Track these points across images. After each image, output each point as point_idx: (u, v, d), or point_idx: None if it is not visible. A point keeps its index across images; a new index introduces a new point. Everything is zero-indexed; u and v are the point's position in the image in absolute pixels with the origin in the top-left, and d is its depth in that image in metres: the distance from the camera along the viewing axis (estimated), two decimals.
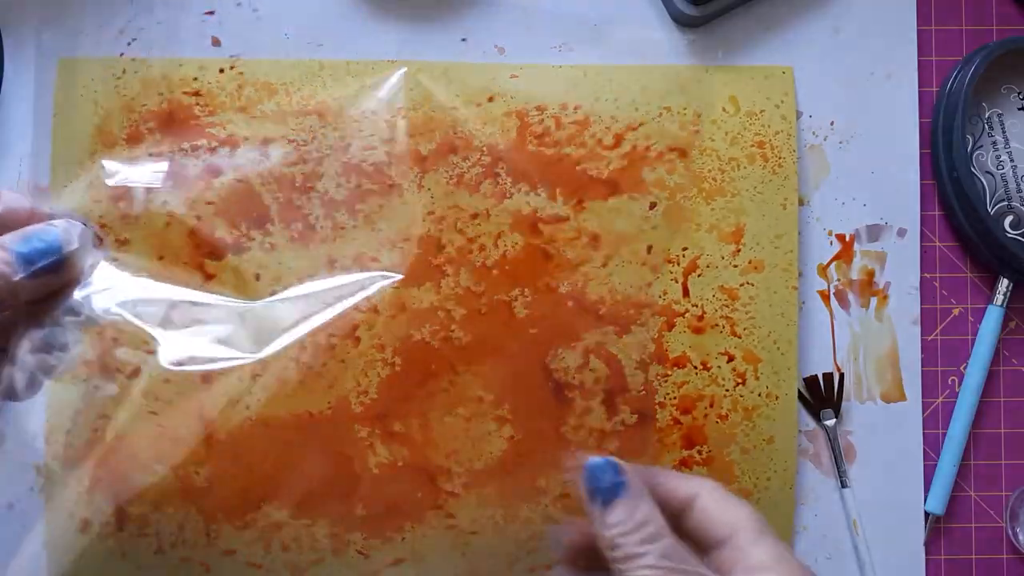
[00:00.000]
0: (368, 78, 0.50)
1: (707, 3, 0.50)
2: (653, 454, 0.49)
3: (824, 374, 0.52)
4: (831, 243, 0.52)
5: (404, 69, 0.50)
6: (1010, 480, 0.52)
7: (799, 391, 0.51)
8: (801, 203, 0.52)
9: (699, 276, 0.50)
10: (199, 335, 0.45)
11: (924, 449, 0.52)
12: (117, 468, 0.48)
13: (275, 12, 0.51)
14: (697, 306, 0.50)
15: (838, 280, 0.52)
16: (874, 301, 0.52)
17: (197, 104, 0.49)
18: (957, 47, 0.53)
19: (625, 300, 0.49)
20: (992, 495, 0.52)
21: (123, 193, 0.48)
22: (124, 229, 0.48)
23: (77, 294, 0.32)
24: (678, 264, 0.50)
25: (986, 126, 0.52)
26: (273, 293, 0.48)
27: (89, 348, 0.33)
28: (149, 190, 0.48)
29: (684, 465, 0.50)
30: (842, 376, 0.52)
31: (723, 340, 0.50)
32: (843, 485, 0.51)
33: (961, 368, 0.53)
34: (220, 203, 0.49)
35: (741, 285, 0.50)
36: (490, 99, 0.50)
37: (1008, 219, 0.52)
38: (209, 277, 0.48)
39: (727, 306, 0.50)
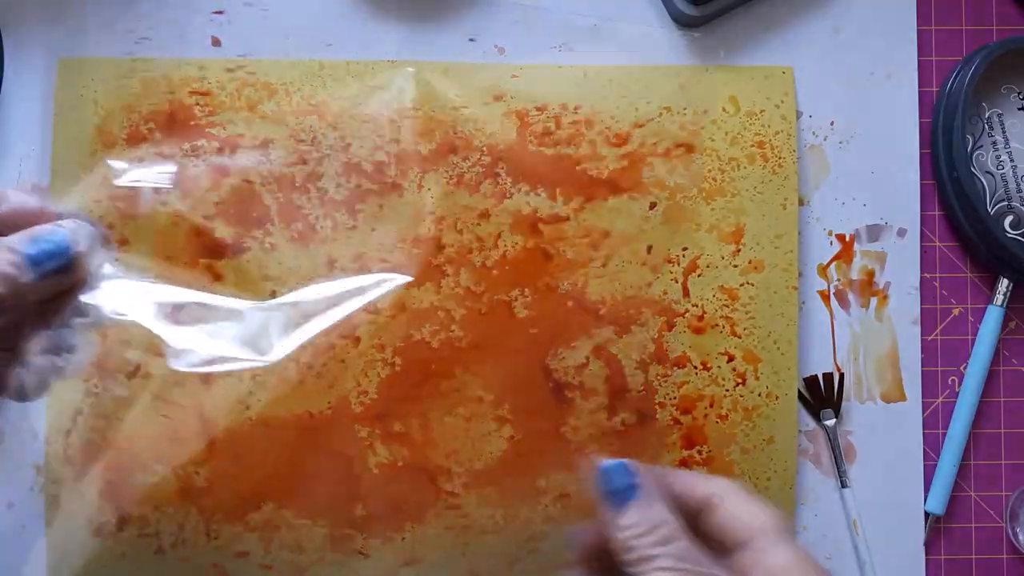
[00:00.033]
0: (368, 78, 0.50)
1: (707, 3, 0.50)
2: (653, 454, 0.49)
3: (824, 374, 0.52)
4: (831, 243, 0.52)
5: (404, 69, 0.50)
6: (1010, 480, 0.52)
7: (799, 391, 0.51)
8: (801, 203, 0.52)
9: (699, 276, 0.50)
10: (208, 336, 0.45)
11: (924, 449, 0.52)
12: (117, 468, 0.48)
13: (275, 12, 0.51)
14: (697, 306, 0.50)
15: (838, 280, 0.52)
16: (874, 301, 0.52)
17: (197, 104, 0.49)
18: (957, 47, 0.53)
19: (625, 300, 0.49)
20: (992, 495, 0.52)
21: (123, 193, 0.48)
22: (123, 229, 0.48)
23: (85, 295, 0.32)
24: (678, 264, 0.50)
25: (986, 126, 0.52)
26: (273, 293, 0.48)
27: (97, 349, 0.33)
28: (157, 190, 0.48)
29: (684, 465, 0.50)
30: (842, 376, 0.52)
31: (723, 340, 0.50)
32: (843, 485, 0.51)
33: (961, 368, 0.53)
34: (220, 203, 0.49)
35: (741, 285, 0.50)
36: (490, 99, 0.50)
37: (1008, 219, 0.52)
38: (217, 278, 0.48)
39: (727, 306, 0.50)
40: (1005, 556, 0.52)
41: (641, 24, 0.52)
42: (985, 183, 0.52)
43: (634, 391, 0.49)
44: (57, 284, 0.31)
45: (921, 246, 0.53)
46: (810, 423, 0.52)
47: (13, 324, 0.31)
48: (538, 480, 0.49)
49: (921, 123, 0.53)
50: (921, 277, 0.53)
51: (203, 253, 0.48)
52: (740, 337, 0.50)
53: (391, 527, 0.48)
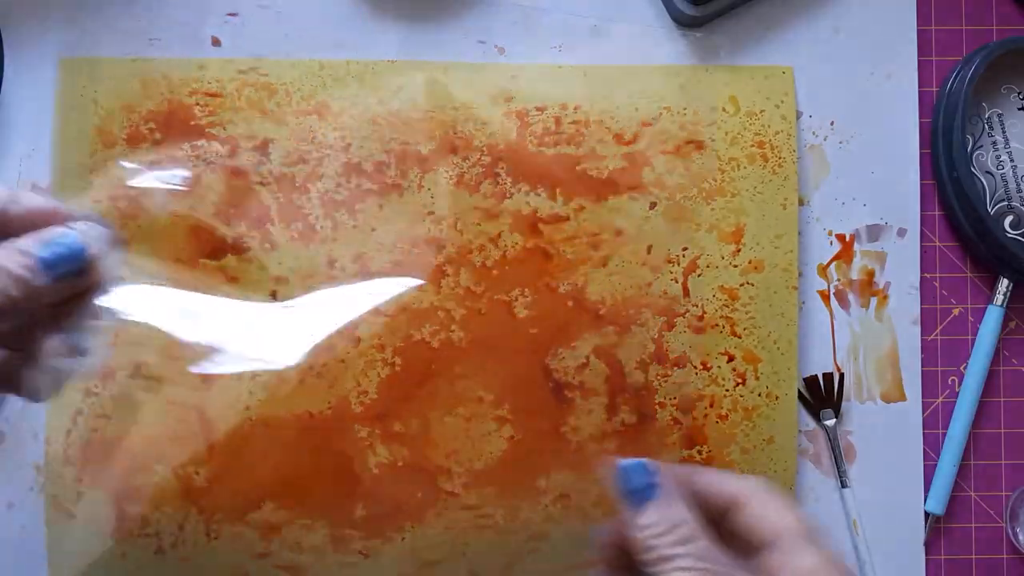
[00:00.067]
0: (368, 78, 0.50)
1: (707, 3, 0.50)
2: (653, 454, 0.49)
3: (824, 374, 0.52)
4: (831, 243, 0.52)
5: (404, 69, 0.50)
6: (1010, 480, 0.52)
7: (799, 391, 0.51)
8: (801, 203, 0.52)
9: (699, 276, 0.50)
10: (222, 338, 0.45)
11: (924, 449, 0.52)
12: (118, 468, 0.48)
13: (275, 12, 0.51)
14: (697, 306, 0.50)
15: (838, 280, 0.52)
16: (874, 301, 0.52)
17: (197, 104, 0.49)
18: (957, 47, 0.53)
19: (625, 300, 0.49)
20: (992, 495, 0.52)
21: (123, 193, 0.49)
22: (124, 229, 0.48)
23: (98, 298, 0.32)
24: (678, 264, 0.50)
25: (986, 126, 0.52)
26: (274, 293, 0.48)
27: (110, 352, 0.33)
28: (170, 192, 0.48)
29: None
30: (842, 376, 0.52)
31: (723, 340, 0.50)
32: (843, 485, 0.51)
33: (961, 368, 0.53)
34: (220, 203, 0.49)
35: (741, 285, 0.50)
36: (490, 99, 0.50)
37: (1008, 219, 0.52)
38: (232, 279, 0.48)
39: (727, 306, 0.50)
40: (1005, 556, 0.52)
41: (641, 24, 0.52)
42: (985, 183, 0.52)
43: (634, 391, 0.49)
44: (70, 287, 0.31)
45: (921, 246, 0.53)
46: (810, 423, 0.52)
47: (27, 326, 0.32)
48: (538, 480, 0.49)
49: (921, 123, 0.53)
50: (921, 277, 0.53)
51: (203, 253, 0.48)
52: (740, 337, 0.50)
53: (391, 527, 0.48)
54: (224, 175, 0.49)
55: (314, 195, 0.49)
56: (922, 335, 0.52)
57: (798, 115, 0.52)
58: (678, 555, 0.33)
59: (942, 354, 0.53)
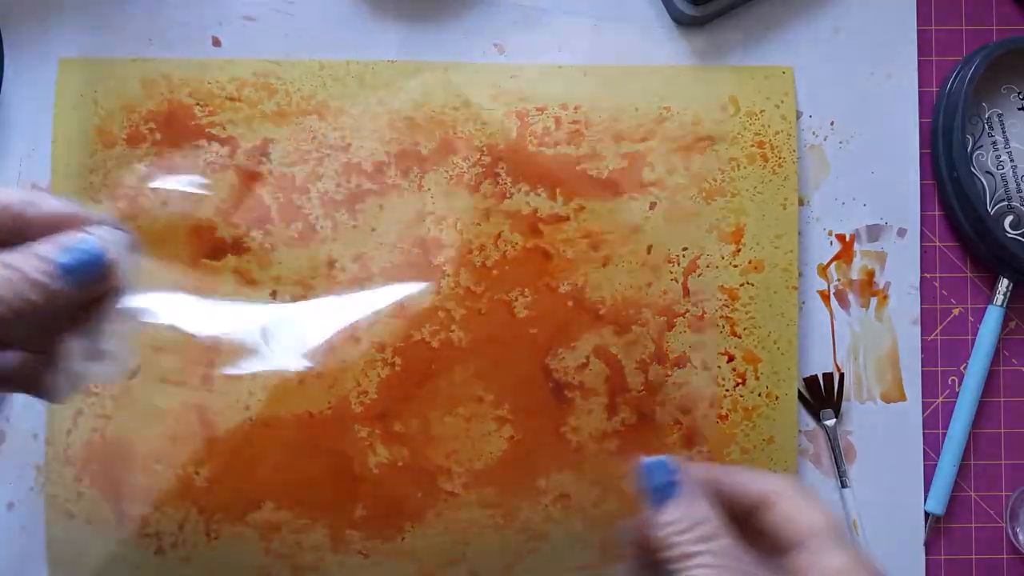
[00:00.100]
0: (368, 78, 0.50)
1: (707, 3, 0.50)
2: (653, 454, 0.49)
3: (824, 374, 0.52)
4: (831, 243, 0.52)
5: (405, 69, 0.50)
6: (1010, 480, 0.52)
7: (799, 391, 0.51)
8: (801, 203, 0.52)
9: (699, 276, 0.50)
10: (241, 340, 0.46)
11: (924, 449, 0.52)
12: (117, 468, 0.48)
13: (274, 12, 0.51)
14: (697, 306, 0.50)
15: (838, 280, 0.52)
16: (874, 301, 0.52)
17: (197, 104, 0.49)
18: (957, 47, 0.53)
19: (625, 300, 0.49)
20: (992, 495, 0.52)
21: (123, 193, 0.49)
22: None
23: (116, 302, 0.32)
24: (678, 264, 0.50)
25: (986, 126, 0.52)
26: (274, 293, 0.48)
27: (131, 354, 0.33)
28: (186, 194, 0.48)
29: None
30: (842, 376, 0.52)
31: (723, 340, 0.50)
32: (843, 485, 0.51)
33: (961, 368, 0.53)
34: (220, 203, 0.49)
35: (741, 285, 0.50)
36: (490, 99, 0.50)
37: (1008, 219, 0.52)
38: (251, 282, 0.48)
39: (727, 306, 0.50)
40: (1005, 556, 0.52)
41: (641, 24, 0.52)
42: (985, 183, 0.52)
43: (634, 391, 0.49)
44: (89, 291, 0.31)
45: (921, 246, 0.53)
46: (810, 423, 0.52)
47: (47, 330, 0.32)
48: (538, 480, 0.49)
49: (921, 123, 0.53)
50: (921, 277, 0.53)
51: (203, 253, 0.48)
52: (740, 337, 0.50)
53: (391, 527, 0.48)
54: (225, 175, 0.49)
55: (314, 195, 0.49)
56: (922, 335, 0.52)
57: (798, 115, 0.52)
58: (699, 552, 0.33)
59: (942, 354, 0.53)
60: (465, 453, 0.48)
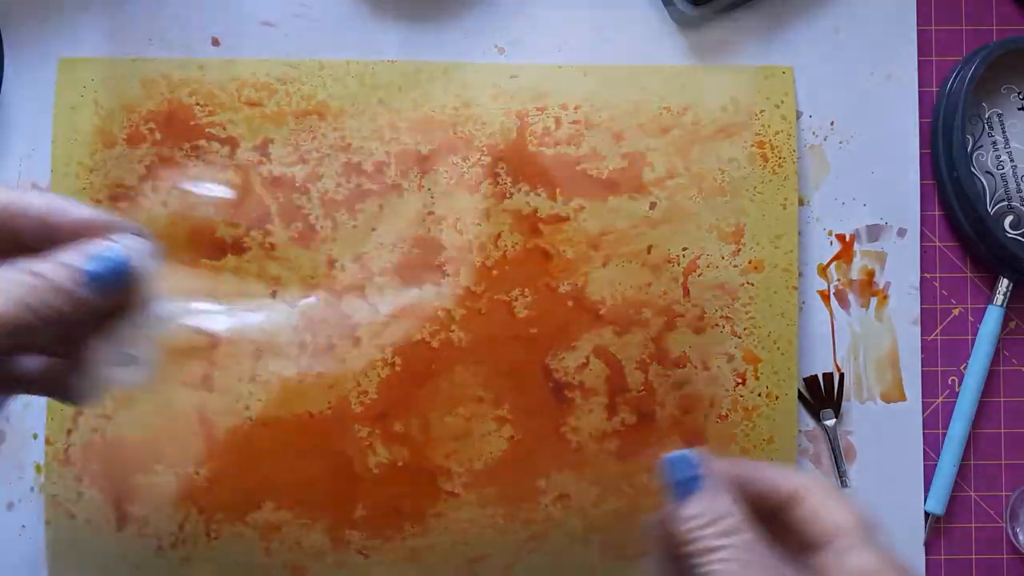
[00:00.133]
0: (368, 78, 0.50)
1: (707, 3, 0.50)
2: (653, 454, 0.49)
3: (824, 374, 0.52)
4: (831, 243, 0.52)
5: (405, 69, 0.50)
6: (1010, 480, 0.52)
7: (799, 391, 0.51)
8: (801, 203, 0.52)
9: (699, 276, 0.50)
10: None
11: (924, 449, 0.52)
12: (117, 468, 0.48)
13: (275, 12, 0.51)
14: (697, 306, 0.50)
15: (838, 280, 0.52)
16: (874, 301, 0.52)
17: (197, 104, 0.49)
18: (957, 47, 0.53)
19: (625, 300, 0.49)
20: (992, 495, 0.52)
21: (123, 193, 0.49)
22: None
23: (141, 308, 0.33)
24: (678, 264, 0.50)
25: (986, 126, 0.52)
26: (274, 294, 0.48)
27: (160, 362, 0.34)
28: (210, 200, 0.49)
29: None
30: (842, 376, 0.52)
31: (723, 340, 0.50)
32: (843, 485, 0.51)
33: (961, 368, 0.53)
34: (220, 203, 0.49)
35: (741, 285, 0.50)
36: (490, 99, 0.50)
37: (1008, 219, 0.52)
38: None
39: (727, 306, 0.50)
40: (1005, 556, 0.52)
41: (641, 24, 0.52)
42: (985, 183, 0.52)
43: (634, 391, 0.49)
44: (114, 299, 0.32)
45: (921, 246, 0.53)
46: (810, 423, 0.52)
47: (72, 335, 0.32)
48: (538, 480, 0.49)
49: (921, 123, 0.53)
50: (921, 277, 0.53)
51: (203, 253, 0.48)
52: (740, 337, 0.50)
53: (391, 527, 0.48)
54: (225, 175, 0.49)
55: (314, 195, 0.49)
56: (922, 335, 0.52)
57: (798, 115, 0.52)
58: (721, 546, 0.33)
59: (942, 354, 0.53)
60: (465, 453, 0.48)
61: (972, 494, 0.52)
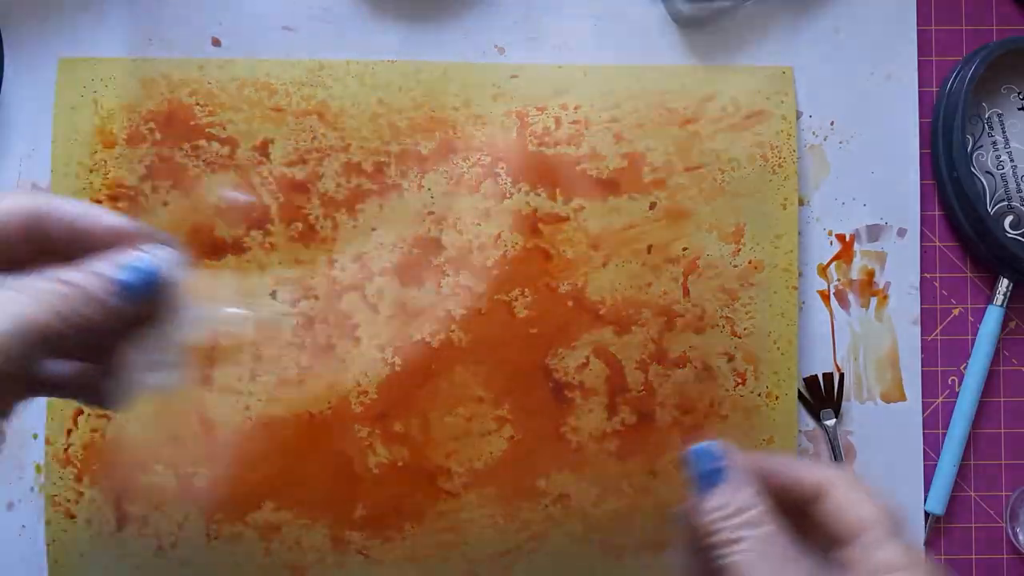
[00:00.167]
0: (368, 78, 0.50)
1: (707, 3, 0.50)
2: (653, 454, 0.49)
3: (824, 374, 0.52)
4: (831, 243, 0.52)
5: (405, 69, 0.50)
6: (1010, 480, 0.52)
7: (799, 391, 0.51)
8: (801, 203, 0.52)
9: (699, 276, 0.50)
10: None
11: (924, 449, 0.52)
12: (117, 468, 0.48)
13: (275, 11, 0.51)
14: (697, 306, 0.50)
15: (838, 280, 0.52)
16: (874, 301, 0.52)
17: (197, 104, 0.49)
18: (957, 47, 0.53)
19: (625, 300, 0.49)
20: (992, 495, 0.52)
21: (123, 193, 0.49)
22: None
23: (170, 317, 0.33)
24: (678, 264, 0.50)
25: (986, 126, 0.52)
26: (274, 294, 0.48)
27: (187, 364, 0.34)
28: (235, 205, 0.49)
29: None
30: (842, 376, 0.52)
31: (723, 340, 0.50)
32: None
33: (961, 368, 0.53)
34: (220, 203, 0.49)
35: (741, 285, 0.50)
36: (490, 99, 0.50)
37: (1008, 219, 0.52)
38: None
39: (727, 306, 0.50)
40: (1005, 556, 0.52)
41: (641, 24, 0.52)
42: (985, 183, 0.52)
43: (634, 391, 0.49)
44: (144, 307, 0.32)
45: (921, 246, 0.53)
46: (810, 423, 0.52)
47: (102, 342, 0.33)
48: (538, 480, 0.49)
49: (921, 123, 0.53)
50: (921, 277, 0.53)
51: (204, 253, 0.48)
52: (740, 337, 0.50)
53: (391, 527, 0.48)
54: (225, 176, 0.49)
55: (314, 195, 0.49)
56: (922, 335, 0.52)
57: (798, 115, 0.52)
58: (743, 538, 0.33)
59: (942, 354, 0.53)
60: (465, 453, 0.48)
61: (972, 494, 0.52)
